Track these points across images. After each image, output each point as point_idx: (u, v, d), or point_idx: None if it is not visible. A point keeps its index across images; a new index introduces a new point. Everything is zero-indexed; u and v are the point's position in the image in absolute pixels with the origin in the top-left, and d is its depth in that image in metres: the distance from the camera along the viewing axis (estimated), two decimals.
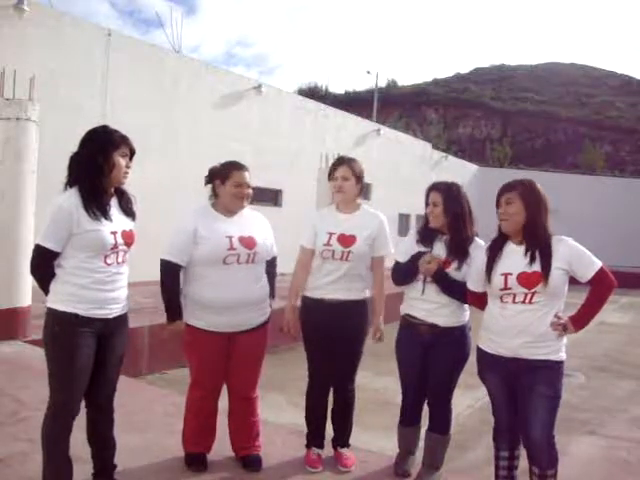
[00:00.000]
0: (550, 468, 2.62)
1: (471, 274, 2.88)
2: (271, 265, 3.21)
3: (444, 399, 3.09)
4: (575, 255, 2.61)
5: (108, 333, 2.55)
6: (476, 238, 3.04)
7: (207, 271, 2.92)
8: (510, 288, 2.62)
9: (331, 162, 3.41)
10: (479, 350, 2.81)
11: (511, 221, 2.67)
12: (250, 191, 3.04)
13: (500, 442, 2.79)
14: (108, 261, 2.51)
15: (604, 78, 64.38)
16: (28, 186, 5.75)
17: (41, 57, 8.91)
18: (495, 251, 2.74)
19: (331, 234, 3.11)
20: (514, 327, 2.62)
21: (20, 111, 5.64)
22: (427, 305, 3.01)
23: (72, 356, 2.43)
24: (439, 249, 3.02)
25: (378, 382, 6.42)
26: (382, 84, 47.75)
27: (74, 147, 2.53)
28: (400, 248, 3.17)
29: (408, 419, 3.17)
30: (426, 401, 3.14)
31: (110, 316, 2.54)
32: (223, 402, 3.13)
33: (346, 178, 3.15)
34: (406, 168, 19.93)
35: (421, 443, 3.18)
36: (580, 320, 2.64)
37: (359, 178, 3.19)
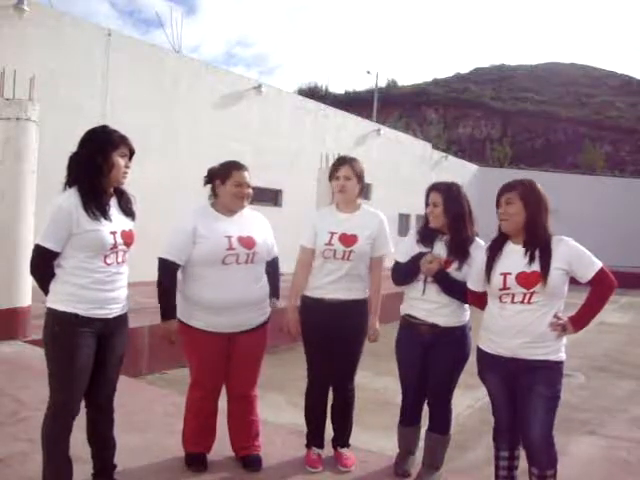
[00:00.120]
0: (549, 468, 2.61)
1: (471, 274, 2.88)
2: (273, 265, 3.21)
3: (444, 399, 3.09)
4: (575, 255, 2.61)
5: (108, 333, 2.55)
6: (476, 238, 3.04)
7: (206, 271, 2.92)
8: (509, 288, 2.62)
9: (331, 162, 3.41)
10: (479, 350, 2.81)
11: (511, 221, 2.67)
12: (250, 191, 3.04)
13: (500, 442, 2.79)
14: (108, 261, 2.51)
15: (604, 78, 64.38)
16: (28, 186, 5.75)
17: (41, 57, 8.91)
18: (495, 251, 2.74)
19: (332, 233, 3.11)
20: (513, 327, 2.62)
21: (20, 111, 5.64)
22: (427, 305, 3.01)
23: (72, 356, 2.43)
24: (439, 249, 3.02)
25: (378, 382, 6.42)
26: (382, 84, 47.79)
27: (74, 147, 2.53)
28: (400, 248, 3.17)
29: (408, 419, 3.17)
30: (426, 401, 3.14)
31: (110, 316, 2.54)
32: (223, 402, 3.13)
33: (348, 178, 3.15)
34: (406, 168, 19.93)
35: (421, 443, 3.18)
36: (580, 321, 2.64)
37: (360, 178, 3.19)
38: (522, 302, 2.61)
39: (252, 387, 3.14)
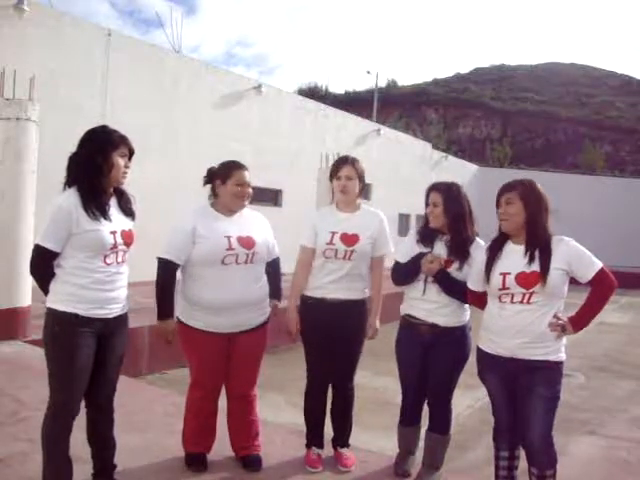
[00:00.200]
0: (549, 468, 2.61)
1: (471, 274, 2.88)
2: (274, 266, 3.20)
3: (444, 399, 3.09)
4: (575, 255, 2.61)
5: (108, 333, 2.55)
6: (477, 238, 3.04)
7: (206, 271, 2.92)
8: (508, 288, 2.62)
9: (331, 162, 3.41)
10: (479, 350, 2.81)
11: (511, 221, 2.67)
12: (250, 190, 3.05)
13: (500, 442, 2.79)
14: (108, 261, 2.51)
15: (604, 78, 64.37)
16: (28, 186, 5.75)
17: (41, 57, 8.91)
18: (495, 251, 2.74)
19: (333, 233, 3.11)
20: (512, 327, 2.62)
21: (20, 111, 5.64)
22: (428, 305, 3.01)
23: (72, 356, 2.43)
24: (439, 249, 3.02)
25: (378, 382, 6.42)
26: (382, 84, 47.78)
27: (74, 147, 2.53)
28: (400, 248, 3.17)
29: (408, 419, 3.17)
30: (426, 401, 3.14)
31: (110, 316, 2.54)
32: (223, 402, 3.13)
33: (350, 178, 3.15)
34: (406, 168, 19.93)
35: (421, 443, 3.18)
36: (580, 321, 2.63)
37: (361, 178, 3.19)
38: (521, 302, 2.61)
39: (252, 387, 3.14)
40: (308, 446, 3.27)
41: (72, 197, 2.44)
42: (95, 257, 2.47)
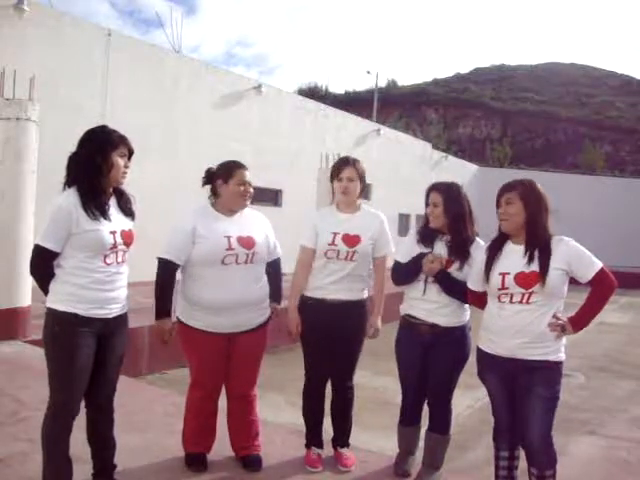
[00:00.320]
0: (548, 469, 2.61)
1: (471, 274, 2.88)
2: (274, 267, 3.20)
3: (444, 399, 3.09)
4: (575, 255, 2.61)
5: (108, 333, 2.55)
6: (477, 238, 3.04)
7: (206, 271, 2.92)
8: (507, 288, 2.62)
9: (331, 162, 3.41)
10: (479, 350, 2.81)
11: (511, 221, 2.67)
12: (252, 190, 3.05)
13: (500, 442, 2.79)
14: (107, 261, 2.51)
15: (604, 78, 64.37)
16: (28, 186, 5.75)
17: (41, 57, 8.91)
18: (494, 251, 2.74)
19: (335, 234, 3.10)
20: (511, 327, 2.62)
21: (20, 111, 5.64)
22: (428, 305, 3.01)
23: (72, 356, 2.43)
24: (439, 249, 3.02)
25: (378, 382, 6.42)
26: (382, 84, 47.77)
27: (74, 147, 2.53)
28: (400, 248, 3.17)
29: (408, 419, 3.17)
30: (426, 401, 3.14)
31: (110, 316, 2.54)
32: (223, 402, 3.13)
33: (351, 179, 3.14)
34: (406, 168, 19.93)
35: (421, 443, 3.18)
36: (579, 321, 2.63)
37: (362, 179, 3.19)
38: (521, 302, 2.61)
39: (252, 387, 3.14)
40: (308, 446, 3.26)
41: (72, 197, 2.44)
42: (95, 257, 2.47)
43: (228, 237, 2.92)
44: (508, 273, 2.63)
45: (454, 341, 3.01)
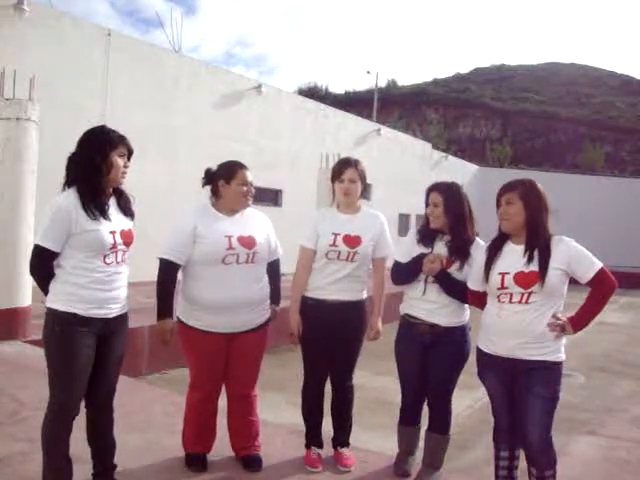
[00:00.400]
0: (548, 469, 2.61)
1: (471, 273, 2.88)
2: (274, 267, 3.19)
3: (444, 399, 3.09)
4: (574, 256, 2.61)
5: (108, 333, 2.55)
6: (477, 238, 3.04)
7: (206, 271, 2.91)
8: (507, 287, 2.62)
9: (331, 162, 3.42)
10: (478, 350, 2.81)
11: (511, 221, 2.67)
12: (254, 190, 3.05)
13: (500, 442, 2.79)
14: (107, 261, 2.51)
15: (604, 78, 64.41)
16: (28, 186, 5.75)
17: (41, 57, 8.91)
18: (494, 250, 2.74)
19: (336, 235, 3.10)
20: (511, 327, 2.62)
21: (20, 111, 5.64)
22: (428, 305, 3.01)
23: (72, 356, 2.43)
24: (440, 249, 3.01)
25: (378, 382, 6.42)
26: (382, 84, 47.82)
27: (74, 147, 2.53)
28: (400, 248, 3.17)
29: (408, 419, 3.17)
30: (426, 401, 3.14)
31: (110, 316, 2.54)
32: (223, 402, 3.13)
33: (353, 181, 3.14)
34: (406, 168, 19.93)
35: (421, 443, 3.18)
36: (579, 321, 2.63)
37: (363, 180, 3.19)
38: (520, 302, 2.60)
39: (252, 387, 3.14)
40: (308, 446, 3.26)
41: (71, 197, 2.44)
42: (95, 257, 2.47)
43: (229, 237, 2.91)
44: (507, 273, 2.63)
45: (454, 341, 3.01)
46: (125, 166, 2.57)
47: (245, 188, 2.98)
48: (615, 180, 27.93)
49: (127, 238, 2.58)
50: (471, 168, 26.28)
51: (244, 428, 3.13)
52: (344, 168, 3.15)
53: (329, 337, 3.11)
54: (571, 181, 25.62)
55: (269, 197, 13.99)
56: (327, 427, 3.31)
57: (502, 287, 2.63)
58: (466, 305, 3.05)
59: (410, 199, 18.15)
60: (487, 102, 57.99)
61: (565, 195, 20.51)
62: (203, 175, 3.06)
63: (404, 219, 19.72)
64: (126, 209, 2.65)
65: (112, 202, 2.58)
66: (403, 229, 18.62)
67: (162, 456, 3.22)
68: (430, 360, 3.02)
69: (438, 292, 2.99)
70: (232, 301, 2.92)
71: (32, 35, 9.03)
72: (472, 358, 2.94)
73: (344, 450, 3.25)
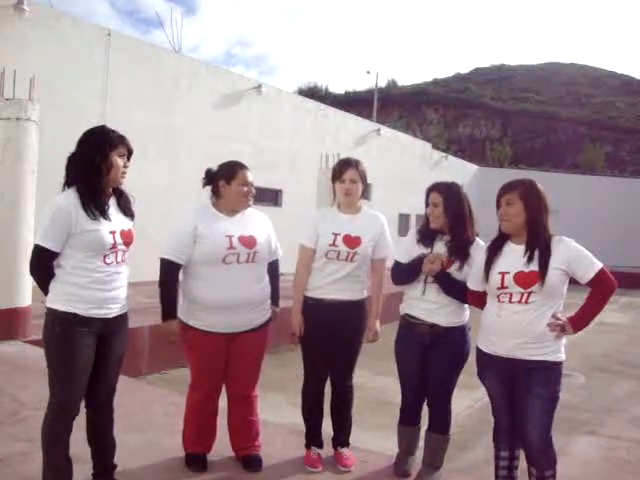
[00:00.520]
0: (548, 469, 2.61)
1: (471, 273, 2.88)
2: (273, 268, 3.19)
3: (444, 399, 3.09)
4: (574, 256, 2.61)
5: (108, 333, 2.55)
6: (477, 238, 3.04)
7: (207, 271, 2.91)
8: (507, 287, 2.62)
9: (331, 162, 3.42)
10: (478, 350, 2.81)
11: (511, 222, 2.67)
12: (254, 190, 3.05)
13: (500, 442, 2.79)
14: (107, 261, 2.51)
15: (604, 78, 64.42)
16: (28, 186, 5.75)
17: (41, 57, 8.91)
18: (494, 250, 2.74)
19: (336, 235, 3.10)
20: (510, 327, 2.62)
21: (20, 111, 5.64)
22: (427, 305, 3.01)
23: (72, 356, 2.43)
24: (439, 249, 3.01)
25: (377, 382, 6.41)
26: (382, 84, 47.83)
27: (74, 147, 2.53)
28: (400, 248, 3.17)
29: (408, 419, 3.17)
30: (426, 401, 3.14)
31: (110, 316, 2.54)
32: (223, 402, 3.13)
33: (354, 181, 3.14)
34: (406, 168, 19.93)
35: (421, 443, 3.18)
36: (579, 321, 2.63)
37: (364, 180, 3.19)
38: (520, 302, 2.60)
39: (252, 387, 3.14)
40: (308, 446, 3.26)
41: (71, 197, 2.44)
42: (95, 257, 2.47)
43: (229, 236, 2.92)
44: (507, 272, 2.63)
45: (454, 341, 3.01)
46: (125, 166, 2.57)
47: (246, 188, 2.98)
48: (615, 180, 27.93)
49: (127, 238, 2.58)
50: (471, 168, 26.28)
51: (244, 428, 3.13)
52: (345, 168, 3.15)
53: (329, 337, 3.11)
54: (571, 181, 25.62)
55: (269, 197, 13.99)
56: (327, 427, 3.31)
57: (502, 287, 2.63)
58: (466, 305, 3.05)
59: (410, 199, 18.15)
60: (487, 102, 58.01)
61: (565, 195, 20.51)
62: (204, 175, 3.06)
63: (404, 219, 19.72)
64: (126, 209, 2.65)
65: (112, 202, 2.58)
66: (403, 229, 18.62)
67: (162, 456, 3.22)
68: (430, 360, 3.02)
69: (438, 292, 2.99)
70: (232, 301, 2.92)
71: (32, 35, 9.04)
72: (472, 358, 2.94)
73: (344, 450, 3.25)
